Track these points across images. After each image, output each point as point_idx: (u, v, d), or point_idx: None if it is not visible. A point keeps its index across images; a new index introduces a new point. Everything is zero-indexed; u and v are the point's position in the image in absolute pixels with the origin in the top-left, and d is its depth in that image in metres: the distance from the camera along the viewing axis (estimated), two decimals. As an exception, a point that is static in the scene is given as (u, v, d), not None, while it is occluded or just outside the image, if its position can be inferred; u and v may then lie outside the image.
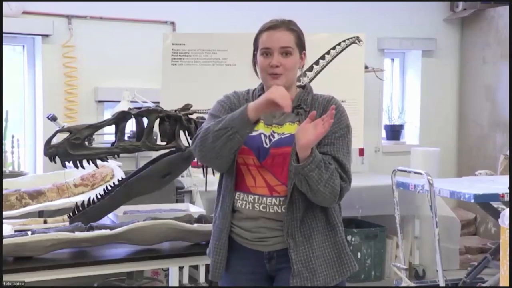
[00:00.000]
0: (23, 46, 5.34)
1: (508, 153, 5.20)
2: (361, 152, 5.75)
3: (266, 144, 2.22)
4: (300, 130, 2.10)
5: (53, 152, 2.78)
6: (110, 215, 3.15)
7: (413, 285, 4.51)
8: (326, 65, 5.05)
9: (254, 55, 2.31)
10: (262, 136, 2.23)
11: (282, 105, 2.09)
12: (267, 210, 2.22)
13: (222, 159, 2.19)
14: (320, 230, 2.23)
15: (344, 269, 2.26)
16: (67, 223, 2.98)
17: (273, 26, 2.25)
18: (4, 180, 3.41)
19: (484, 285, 4.64)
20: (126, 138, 2.94)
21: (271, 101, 2.10)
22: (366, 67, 5.49)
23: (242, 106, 2.17)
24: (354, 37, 5.15)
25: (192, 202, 4.48)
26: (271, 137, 2.23)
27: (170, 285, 3.58)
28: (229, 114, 2.21)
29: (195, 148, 2.23)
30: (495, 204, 4.53)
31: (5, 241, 2.53)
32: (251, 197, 2.23)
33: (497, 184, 4.32)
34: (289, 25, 2.26)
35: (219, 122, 2.16)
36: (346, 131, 2.24)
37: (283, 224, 2.20)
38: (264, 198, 2.22)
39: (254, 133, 2.22)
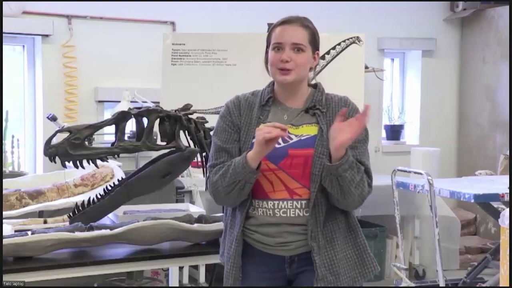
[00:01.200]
0: (23, 46, 5.34)
1: (508, 153, 5.20)
2: (361, 152, 5.74)
3: (279, 144, 2.15)
4: (335, 129, 2.06)
5: (53, 152, 2.77)
6: (110, 215, 3.14)
7: (413, 285, 4.51)
8: (326, 65, 5.05)
9: (267, 52, 2.26)
10: None
11: (277, 135, 2.05)
12: (288, 214, 2.16)
13: (242, 199, 2.19)
14: (342, 233, 2.21)
15: (366, 270, 2.24)
16: (67, 223, 2.98)
17: (287, 21, 2.21)
18: (4, 180, 3.41)
19: (484, 285, 4.64)
20: (126, 138, 2.93)
21: (263, 142, 2.05)
22: (366, 67, 5.49)
23: (241, 156, 2.12)
24: (354, 37, 5.15)
25: (192, 202, 4.48)
26: (286, 137, 2.16)
27: (170, 285, 3.58)
28: (232, 133, 2.20)
29: (210, 194, 2.23)
30: (495, 204, 4.53)
31: (5, 241, 2.52)
32: (270, 203, 2.17)
33: (497, 184, 4.32)
34: (303, 22, 2.23)
35: (224, 176, 2.13)
36: (366, 134, 2.24)
37: (306, 228, 2.15)
38: (285, 202, 2.16)
39: None
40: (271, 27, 2.25)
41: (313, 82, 2.33)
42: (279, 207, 2.17)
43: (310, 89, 2.29)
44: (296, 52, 2.18)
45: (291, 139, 2.16)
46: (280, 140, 2.15)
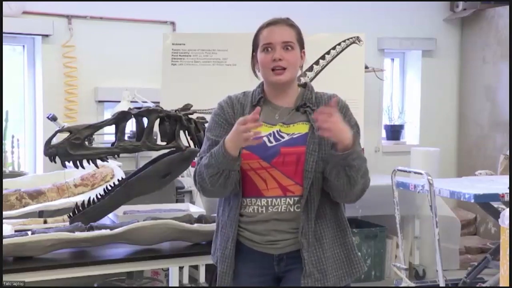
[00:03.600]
0: (23, 46, 5.34)
1: (508, 153, 5.20)
2: (361, 152, 5.75)
3: (271, 142, 2.18)
4: (337, 132, 2.05)
5: (53, 152, 2.78)
6: (110, 215, 3.15)
7: (413, 285, 4.51)
8: (326, 65, 5.05)
9: (253, 56, 2.29)
10: (265, 138, 2.18)
11: (252, 126, 2.04)
12: (280, 210, 2.19)
13: (230, 190, 2.19)
14: (330, 231, 2.23)
15: (353, 269, 2.26)
16: (67, 223, 2.98)
17: (273, 22, 2.25)
18: (4, 180, 3.41)
19: (484, 285, 4.64)
20: (126, 138, 2.94)
21: (243, 139, 2.05)
22: (366, 67, 5.49)
23: (218, 145, 2.12)
24: (354, 37, 5.15)
25: (192, 202, 4.48)
26: (278, 136, 2.20)
27: (170, 285, 3.58)
28: (227, 128, 2.18)
29: (198, 190, 2.25)
30: (495, 204, 4.53)
31: (5, 241, 2.53)
32: (264, 200, 2.20)
33: (497, 184, 4.32)
34: (288, 21, 2.27)
35: (208, 166, 2.13)
36: (357, 129, 2.24)
37: (297, 225, 2.17)
38: (278, 199, 2.19)
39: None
40: (257, 30, 2.28)
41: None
42: (272, 204, 2.19)
43: (299, 89, 2.31)
44: (286, 50, 2.21)
45: (283, 137, 2.19)
46: (272, 139, 2.19)
